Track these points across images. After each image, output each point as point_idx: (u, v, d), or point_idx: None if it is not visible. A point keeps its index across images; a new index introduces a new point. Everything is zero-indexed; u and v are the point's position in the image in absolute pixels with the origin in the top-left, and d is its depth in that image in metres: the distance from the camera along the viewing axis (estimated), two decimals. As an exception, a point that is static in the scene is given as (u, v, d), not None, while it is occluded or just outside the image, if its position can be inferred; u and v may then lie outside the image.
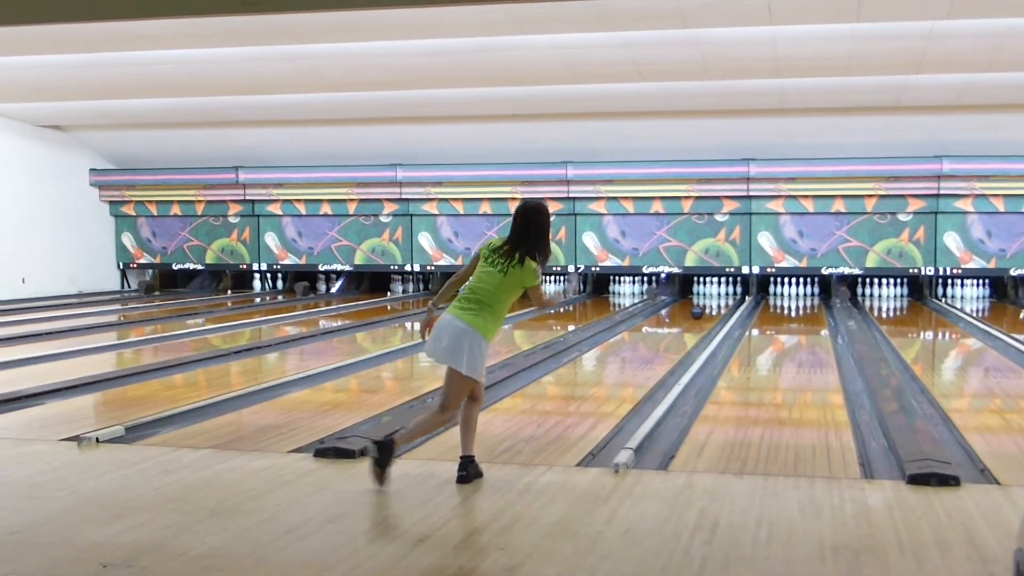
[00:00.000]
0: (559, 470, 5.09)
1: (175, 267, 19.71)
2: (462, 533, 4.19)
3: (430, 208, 18.23)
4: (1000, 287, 17.05)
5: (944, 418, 6.52)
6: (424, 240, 18.43)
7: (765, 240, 17.14)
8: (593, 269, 17.89)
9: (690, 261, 17.44)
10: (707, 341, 10.74)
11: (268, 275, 19.78)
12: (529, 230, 4.81)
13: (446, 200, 18.08)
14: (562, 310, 15.84)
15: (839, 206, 16.74)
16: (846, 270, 16.96)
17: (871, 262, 16.86)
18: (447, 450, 5.41)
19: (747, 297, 17.14)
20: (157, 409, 6.70)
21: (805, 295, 17.59)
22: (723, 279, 17.85)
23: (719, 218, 17.27)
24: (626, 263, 17.73)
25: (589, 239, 17.76)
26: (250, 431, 6.26)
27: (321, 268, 19.06)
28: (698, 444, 5.70)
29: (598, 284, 18.38)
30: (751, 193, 16.88)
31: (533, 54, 12.14)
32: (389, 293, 19.24)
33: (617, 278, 18.40)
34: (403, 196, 18.16)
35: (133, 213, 19.52)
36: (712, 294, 17.82)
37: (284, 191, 18.65)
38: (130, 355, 10.51)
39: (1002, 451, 5.63)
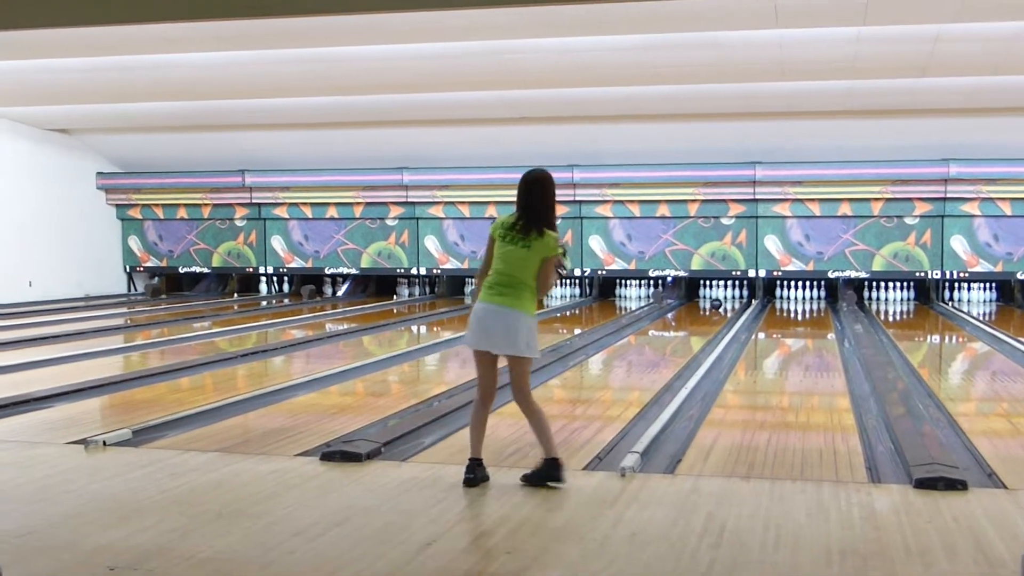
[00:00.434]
0: (566, 474, 5.08)
1: (181, 270, 19.74)
2: (469, 536, 4.20)
3: (436, 211, 18.23)
4: (1007, 291, 16.97)
5: (951, 422, 6.51)
6: (430, 243, 18.44)
7: (771, 243, 17.11)
8: (599, 272, 17.89)
9: (696, 264, 17.41)
10: (713, 344, 10.72)
11: (274, 278, 19.79)
12: (540, 199, 4.85)
13: (452, 203, 18.07)
14: (568, 313, 15.83)
15: (846, 209, 16.70)
16: (853, 273, 16.93)
17: (878, 265, 16.82)
18: (453, 453, 5.42)
19: (753, 300, 17.11)
20: (164, 412, 6.71)
21: (812, 298, 17.55)
22: (729, 282, 17.83)
23: (725, 221, 17.24)
24: (632, 266, 17.71)
25: (595, 242, 17.75)
26: (257, 434, 6.27)
27: (327, 271, 19.06)
28: (705, 448, 5.69)
29: (604, 287, 18.38)
30: (757, 196, 16.84)
31: (539, 57, 12.14)
32: (395, 296, 19.22)
33: (623, 281, 18.38)
34: (409, 199, 18.16)
35: (139, 216, 19.56)
36: (718, 297, 17.79)
37: (290, 194, 18.66)
38: (137, 358, 10.52)
39: (1009, 455, 5.62)
